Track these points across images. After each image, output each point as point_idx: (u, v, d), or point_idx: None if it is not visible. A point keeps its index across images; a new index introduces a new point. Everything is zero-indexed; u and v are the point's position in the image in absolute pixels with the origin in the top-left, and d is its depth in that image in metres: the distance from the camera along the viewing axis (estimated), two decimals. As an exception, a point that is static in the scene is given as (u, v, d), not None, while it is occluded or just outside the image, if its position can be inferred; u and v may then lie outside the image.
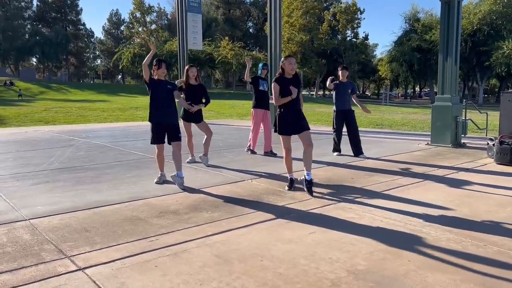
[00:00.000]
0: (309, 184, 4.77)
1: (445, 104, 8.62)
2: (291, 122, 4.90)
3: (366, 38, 61.57)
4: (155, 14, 70.22)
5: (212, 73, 58.52)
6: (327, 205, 4.33)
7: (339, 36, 57.84)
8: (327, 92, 59.54)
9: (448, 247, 3.17)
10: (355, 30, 58.74)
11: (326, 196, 4.69)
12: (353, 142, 7.48)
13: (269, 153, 7.61)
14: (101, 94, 41.75)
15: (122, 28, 78.31)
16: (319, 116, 19.38)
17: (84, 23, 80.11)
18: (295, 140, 5.00)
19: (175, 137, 5.20)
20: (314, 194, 4.73)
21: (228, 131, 12.40)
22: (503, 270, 2.77)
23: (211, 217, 3.92)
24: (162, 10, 72.19)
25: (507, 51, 36.07)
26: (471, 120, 9.29)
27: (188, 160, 6.79)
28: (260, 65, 7.80)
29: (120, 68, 50.49)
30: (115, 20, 79.78)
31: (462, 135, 8.69)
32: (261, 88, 7.57)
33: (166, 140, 5.27)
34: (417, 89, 72.49)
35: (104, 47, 78.96)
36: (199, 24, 15.66)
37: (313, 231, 3.54)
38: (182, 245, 3.23)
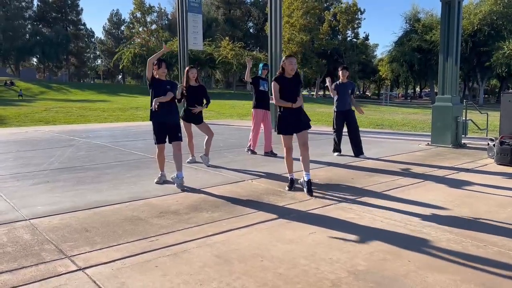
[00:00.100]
0: (309, 184, 4.78)
1: (445, 104, 8.63)
2: (291, 122, 4.91)
3: (366, 38, 61.49)
4: (155, 14, 70.44)
5: (212, 73, 58.55)
6: (328, 206, 4.33)
7: (339, 36, 57.76)
8: (327, 93, 59.51)
9: (449, 248, 3.17)
10: (355, 30, 58.69)
11: (327, 197, 4.69)
12: (354, 142, 7.48)
13: (270, 153, 7.61)
14: (101, 94, 41.71)
15: (122, 28, 78.37)
16: (319, 116, 19.36)
17: (84, 23, 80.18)
18: (296, 140, 5.01)
19: (176, 137, 5.20)
20: (315, 194, 4.74)
21: (229, 131, 12.41)
22: (503, 271, 2.77)
23: (212, 217, 3.92)
24: (162, 10, 72.36)
25: (508, 52, 36.06)
26: (472, 120, 9.29)
27: (188, 160, 6.80)
28: (261, 65, 7.81)
29: (120, 68, 50.55)
30: (115, 20, 79.82)
31: (463, 136, 8.69)
32: (261, 88, 7.57)
33: (167, 140, 5.28)
34: (418, 89, 72.44)
35: (104, 47, 78.96)
36: (199, 24, 15.65)
37: (314, 231, 3.54)
38: (183, 245, 3.23)
